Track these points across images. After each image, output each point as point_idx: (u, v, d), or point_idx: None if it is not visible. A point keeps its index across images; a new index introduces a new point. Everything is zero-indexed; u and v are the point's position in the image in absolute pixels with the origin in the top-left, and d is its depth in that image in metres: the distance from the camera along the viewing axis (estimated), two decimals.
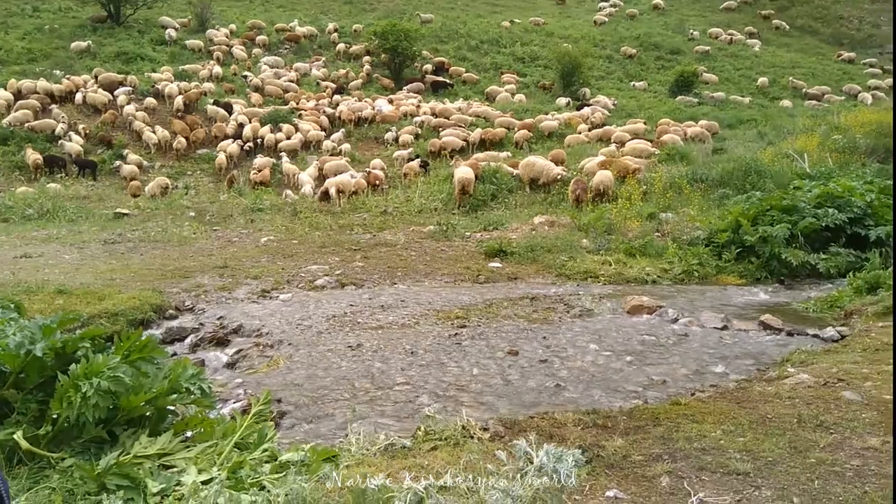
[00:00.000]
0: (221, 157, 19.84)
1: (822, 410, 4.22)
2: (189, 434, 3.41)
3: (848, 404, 4.31)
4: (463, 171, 15.31)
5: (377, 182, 17.52)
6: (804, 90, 30.88)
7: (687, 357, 5.77)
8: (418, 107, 24.80)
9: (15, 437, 2.84)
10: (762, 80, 32.02)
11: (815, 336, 6.42)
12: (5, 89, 22.16)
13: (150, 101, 22.92)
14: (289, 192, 17.25)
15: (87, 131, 21.09)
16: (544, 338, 6.29)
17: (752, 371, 5.41)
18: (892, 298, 4.52)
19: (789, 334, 6.51)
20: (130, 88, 23.44)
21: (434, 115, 23.64)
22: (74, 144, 19.95)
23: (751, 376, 5.26)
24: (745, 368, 5.48)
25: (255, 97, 24.90)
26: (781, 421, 4.07)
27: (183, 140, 20.95)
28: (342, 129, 22.46)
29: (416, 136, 21.94)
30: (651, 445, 3.66)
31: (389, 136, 22.30)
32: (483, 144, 21.16)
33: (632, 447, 3.62)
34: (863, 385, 4.67)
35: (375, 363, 5.56)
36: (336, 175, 17.15)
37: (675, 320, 6.93)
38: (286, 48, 31.81)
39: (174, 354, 6.06)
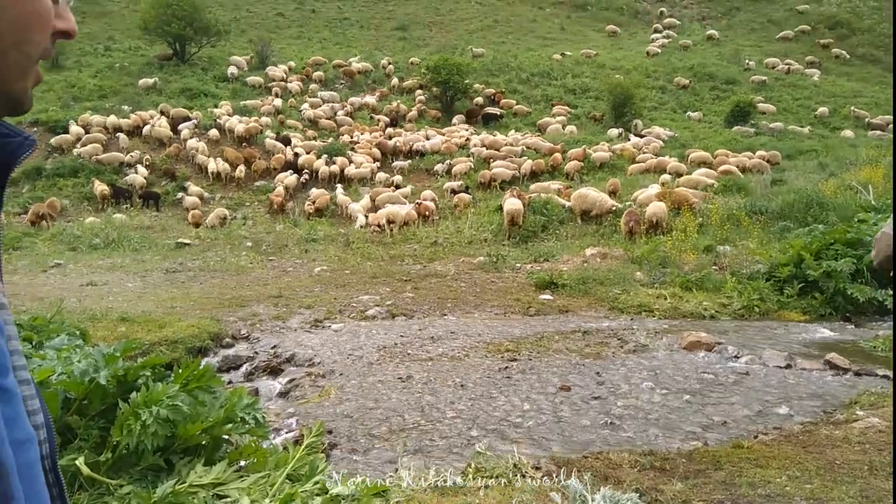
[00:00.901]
0: (280, 190, 20.42)
1: None
2: (242, 464, 3.44)
3: None
4: (512, 202, 15.31)
5: (428, 213, 17.67)
6: (867, 120, 29.87)
7: (748, 397, 5.55)
8: (468, 139, 25.04)
9: (77, 462, 2.92)
10: (822, 109, 31.14)
11: (884, 377, 6.10)
12: (77, 124, 23.42)
13: (214, 132, 23.83)
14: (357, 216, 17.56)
15: (152, 163, 22.06)
16: (597, 373, 6.16)
17: (818, 413, 5.16)
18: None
19: (857, 374, 6.20)
20: (194, 123, 24.43)
21: (485, 146, 23.82)
22: (139, 176, 20.88)
23: (817, 419, 5.02)
24: (810, 410, 5.23)
25: (310, 132, 25.62)
26: (851, 468, 3.86)
27: (242, 168, 21.70)
28: (400, 163, 22.86)
29: (453, 171, 22.35)
30: (712, 491, 3.51)
31: (440, 167, 22.55)
32: (534, 175, 21.16)
33: (692, 492, 3.48)
34: None
35: (425, 396, 5.54)
36: (388, 206, 17.46)
37: (736, 358, 6.70)
38: (342, 83, 32.70)
39: (230, 382, 6.17)
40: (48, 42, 0.81)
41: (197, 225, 18.28)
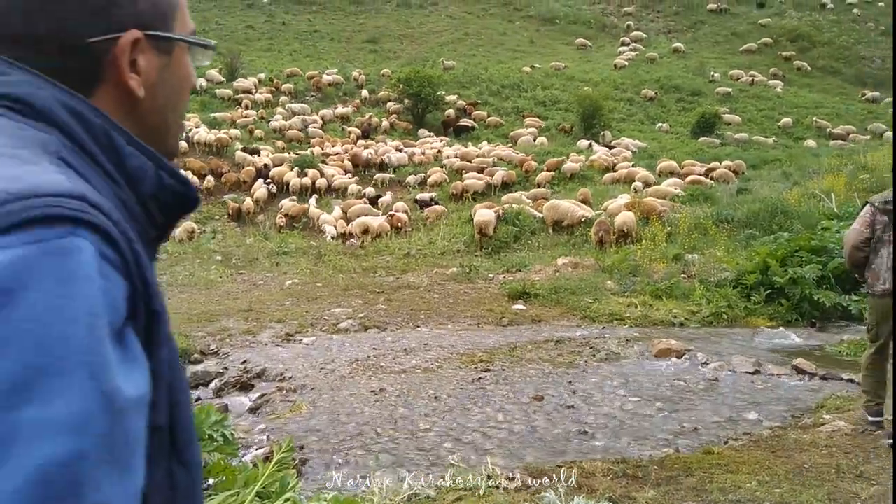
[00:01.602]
0: (248, 202, 20.24)
1: (862, 460, 4.06)
2: (211, 482, 3.37)
3: (888, 453, 4.14)
4: (482, 213, 15.37)
5: (400, 224, 17.64)
6: (829, 130, 30.68)
7: (718, 403, 5.62)
8: (440, 151, 25.10)
9: None
10: (785, 120, 31.91)
11: (850, 381, 6.23)
12: None
13: (181, 144, 23.54)
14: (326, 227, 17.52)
15: None
16: (570, 382, 6.18)
17: (786, 418, 5.25)
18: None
19: (823, 379, 6.32)
20: None
21: (457, 157, 23.91)
22: None
23: (785, 423, 5.10)
24: (779, 415, 5.32)
25: (279, 143, 25.47)
26: (819, 471, 3.92)
27: (210, 178, 21.56)
28: (382, 175, 22.77)
29: (428, 182, 22.38)
30: (684, 497, 3.54)
31: (413, 178, 22.57)
32: (506, 186, 21.28)
33: (664, 499, 3.50)
34: None
35: (399, 408, 5.50)
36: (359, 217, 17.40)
37: (705, 364, 6.78)
38: (313, 95, 32.60)
39: (198, 399, 6.06)
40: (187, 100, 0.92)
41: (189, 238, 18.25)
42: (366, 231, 16.23)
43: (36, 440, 0.53)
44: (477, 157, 23.97)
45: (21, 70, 0.73)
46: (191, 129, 24.74)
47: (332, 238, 16.94)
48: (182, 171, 0.82)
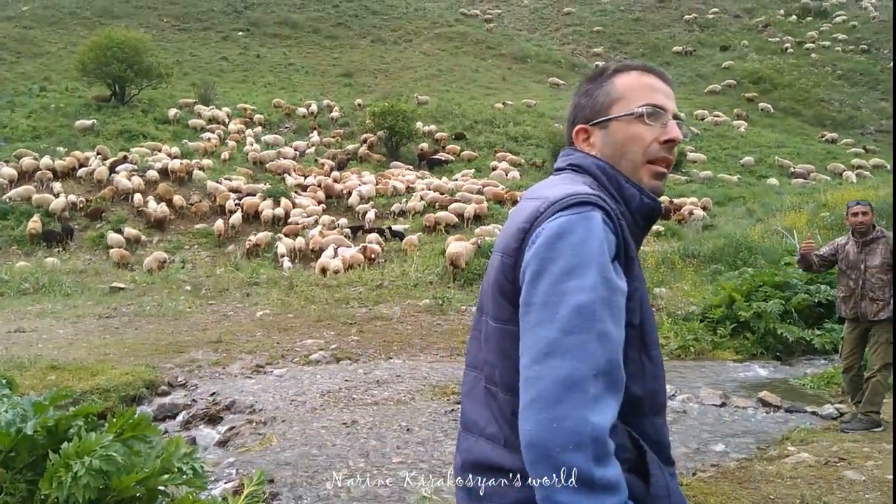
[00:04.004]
0: (220, 224, 20.25)
1: (825, 491, 4.15)
2: None
3: (851, 484, 4.25)
4: (454, 245, 15.48)
5: (373, 256, 17.64)
6: (791, 169, 31.66)
7: (686, 435, 5.69)
8: (412, 182, 25.28)
9: None
10: (748, 158, 32.83)
11: (813, 413, 6.38)
12: (7, 165, 22.56)
13: (152, 173, 23.30)
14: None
15: (87, 205, 21.40)
16: None
17: (752, 449, 5.34)
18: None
19: (788, 411, 6.46)
20: (133, 165, 23.86)
21: (431, 190, 24.09)
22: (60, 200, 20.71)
23: (751, 455, 5.19)
24: (745, 447, 5.41)
25: (248, 172, 25.47)
26: (784, 502, 4.00)
27: (180, 198, 21.68)
28: (364, 207, 22.78)
29: (406, 213, 22.46)
30: None
31: (397, 206, 22.73)
32: (479, 219, 21.46)
33: None
34: (864, 464, 4.61)
35: (371, 441, 5.47)
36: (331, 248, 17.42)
37: (673, 396, 6.87)
38: (286, 127, 32.68)
39: (165, 432, 5.94)
40: (650, 148, 1.44)
41: (125, 265, 18.02)
42: (324, 271, 16.27)
43: (576, 294, 1.18)
44: (449, 189, 24.17)
45: (578, 151, 1.52)
46: (162, 160, 24.56)
47: (289, 268, 17.41)
48: (646, 192, 1.44)
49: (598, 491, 1.10)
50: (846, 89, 45.93)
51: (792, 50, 50.77)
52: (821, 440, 5.33)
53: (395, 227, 20.64)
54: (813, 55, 49.96)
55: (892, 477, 4.27)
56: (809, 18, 55.98)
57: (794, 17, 56.26)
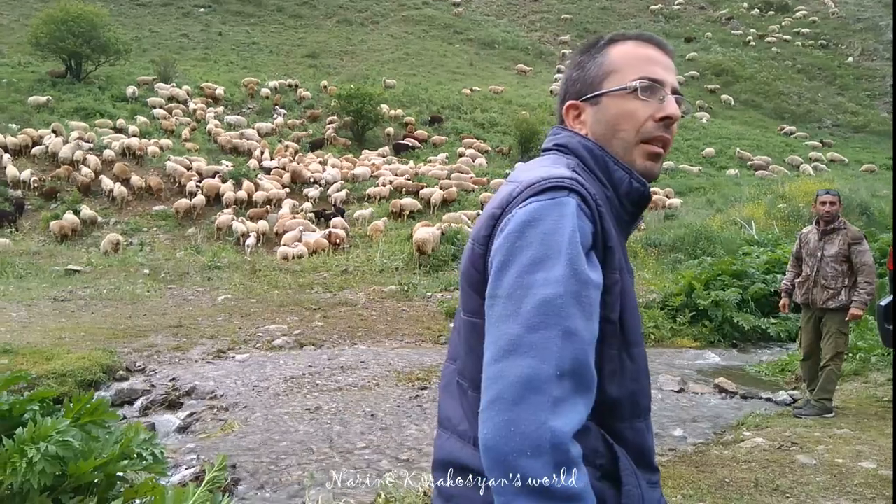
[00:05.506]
0: (182, 202, 19.88)
1: (778, 474, 4.28)
2: (138, 502, 3.26)
3: (802, 468, 4.39)
4: (421, 231, 15.46)
5: (338, 241, 17.51)
6: (750, 161, 32.35)
7: None
8: (378, 167, 25.12)
9: None
10: (709, 150, 33.42)
11: (768, 399, 6.57)
12: None
13: (109, 153, 22.68)
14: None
15: (41, 184, 20.74)
16: None
17: (709, 434, 5.48)
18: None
19: (743, 398, 6.63)
20: (89, 144, 23.18)
21: (397, 175, 23.98)
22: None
23: (708, 440, 5.32)
24: (702, 432, 5.55)
25: (196, 147, 25.10)
26: (739, 485, 4.12)
27: (136, 178, 21.24)
28: (337, 194, 22.50)
29: (375, 198, 22.25)
30: None
31: (372, 191, 22.57)
32: (445, 204, 21.45)
33: None
34: (815, 449, 4.77)
35: (334, 426, 5.45)
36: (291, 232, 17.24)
37: None
38: (249, 108, 32.08)
39: (124, 418, 5.83)
40: (644, 127, 1.32)
41: (64, 236, 18.09)
42: (286, 259, 16.14)
43: (542, 287, 1.08)
44: (416, 174, 24.08)
45: (566, 130, 1.39)
46: (120, 138, 23.92)
47: (250, 247, 17.52)
48: (637, 179, 1.32)
49: (558, 500, 1.01)
50: (805, 83, 47.03)
51: (754, 43, 51.70)
52: (775, 425, 5.50)
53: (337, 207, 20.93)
54: (774, 49, 50.98)
55: (889, 472, 4.43)
56: (772, 12, 57.05)
57: (756, 10, 57.28)
